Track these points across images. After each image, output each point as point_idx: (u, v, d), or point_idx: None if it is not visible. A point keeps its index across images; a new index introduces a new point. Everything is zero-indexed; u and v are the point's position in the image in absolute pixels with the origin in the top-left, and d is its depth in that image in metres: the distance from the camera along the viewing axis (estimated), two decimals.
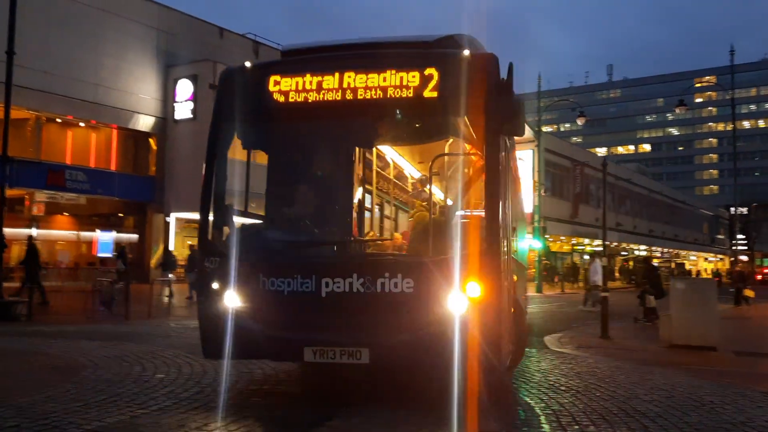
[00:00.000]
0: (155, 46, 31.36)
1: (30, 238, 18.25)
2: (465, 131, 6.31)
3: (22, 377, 7.65)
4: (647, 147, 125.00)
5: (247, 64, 6.71)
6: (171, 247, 29.38)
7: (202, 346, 6.44)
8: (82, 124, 30.34)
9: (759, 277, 53.69)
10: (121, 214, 33.29)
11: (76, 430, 5.31)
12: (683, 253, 77.45)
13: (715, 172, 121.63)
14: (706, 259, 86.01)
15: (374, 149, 8.11)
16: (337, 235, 6.54)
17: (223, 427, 5.55)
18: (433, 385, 6.45)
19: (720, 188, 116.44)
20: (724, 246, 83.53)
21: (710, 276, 58.66)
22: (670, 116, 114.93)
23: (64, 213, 30.97)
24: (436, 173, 8.01)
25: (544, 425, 5.83)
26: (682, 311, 11.88)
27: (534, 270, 34.24)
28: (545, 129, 51.21)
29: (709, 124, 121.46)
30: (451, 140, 6.84)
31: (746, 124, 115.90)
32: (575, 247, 53.43)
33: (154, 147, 32.16)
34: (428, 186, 7.12)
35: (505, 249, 6.44)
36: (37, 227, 28.08)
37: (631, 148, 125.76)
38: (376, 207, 9.33)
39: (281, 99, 6.30)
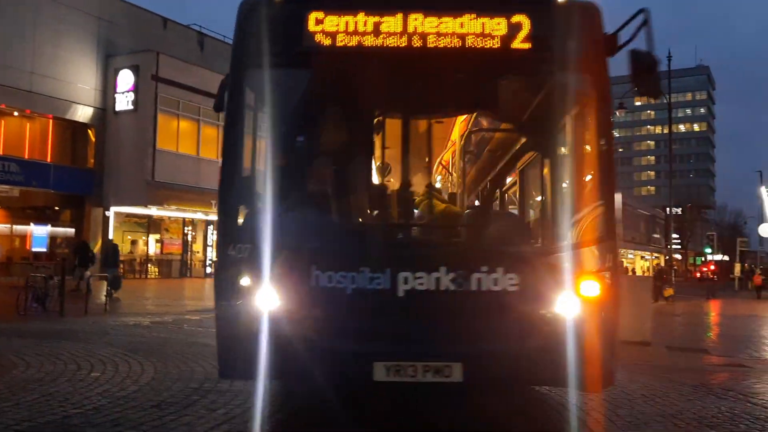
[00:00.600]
0: (95, 34, 30.27)
1: None
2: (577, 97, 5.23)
3: None
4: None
5: None
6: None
7: (219, 360, 4.83)
8: (15, 114, 29.14)
9: (698, 275, 55.94)
10: (57, 208, 32.10)
11: None
12: (621, 251, 79.83)
13: (652, 173, 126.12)
14: (642, 257, 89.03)
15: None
16: (415, 216, 5.31)
17: (161, 426, 5.41)
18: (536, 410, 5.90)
19: (656, 189, 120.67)
20: (660, 245, 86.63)
21: (647, 273, 60.87)
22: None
23: None
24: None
25: None
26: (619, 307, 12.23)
27: None
28: None
29: (648, 127, 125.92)
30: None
31: (682, 127, 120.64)
32: None
33: (93, 139, 31.08)
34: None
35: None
36: None
37: None
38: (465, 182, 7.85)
39: (334, 43, 4.73)
